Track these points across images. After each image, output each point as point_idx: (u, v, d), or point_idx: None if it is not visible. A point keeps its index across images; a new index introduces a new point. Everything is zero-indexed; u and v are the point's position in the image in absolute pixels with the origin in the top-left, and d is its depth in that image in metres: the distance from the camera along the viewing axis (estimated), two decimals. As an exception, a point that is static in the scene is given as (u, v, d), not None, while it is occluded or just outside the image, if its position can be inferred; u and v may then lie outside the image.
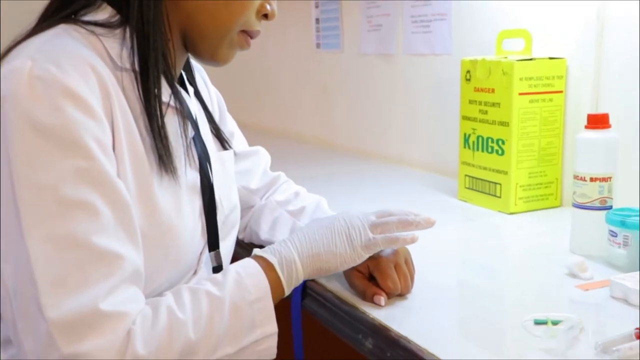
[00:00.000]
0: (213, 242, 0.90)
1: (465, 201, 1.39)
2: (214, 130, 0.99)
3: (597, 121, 1.01)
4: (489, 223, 1.26)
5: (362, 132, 2.04)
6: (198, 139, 0.89)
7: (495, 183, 1.31)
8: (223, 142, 1.00)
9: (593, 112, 1.24)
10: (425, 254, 0.98)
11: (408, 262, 0.90)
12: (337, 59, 2.13)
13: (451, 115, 1.61)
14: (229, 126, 1.10)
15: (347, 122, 2.11)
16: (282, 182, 1.14)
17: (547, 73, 1.27)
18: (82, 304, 0.64)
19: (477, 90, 1.33)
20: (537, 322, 0.79)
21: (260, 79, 2.66)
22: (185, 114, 0.84)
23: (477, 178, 1.36)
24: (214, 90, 1.08)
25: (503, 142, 1.28)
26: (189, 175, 0.85)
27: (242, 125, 1.17)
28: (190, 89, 0.93)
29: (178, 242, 0.81)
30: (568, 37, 1.28)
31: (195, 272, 0.87)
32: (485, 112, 1.31)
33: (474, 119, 1.35)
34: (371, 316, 0.82)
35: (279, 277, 0.81)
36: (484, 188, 1.34)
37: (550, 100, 1.28)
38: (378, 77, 1.93)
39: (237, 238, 1.02)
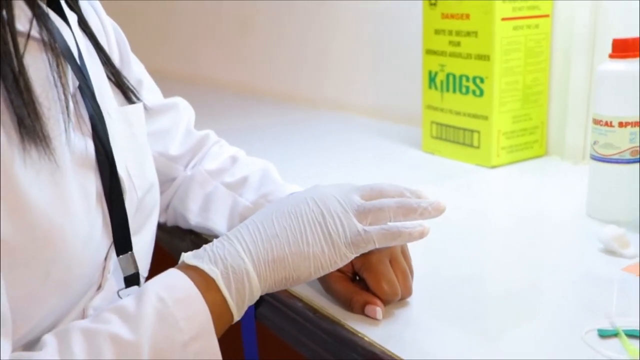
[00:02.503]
0: (122, 241, 0.61)
1: (432, 153, 1.15)
2: (112, 77, 0.68)
3: (627, 48, 0.78)
4: (470, 181, 1.02)
5: (290, 75, 1.76)
6: (87, 90, 0.59)
7: (472, 130, 1.07)
8: (127, 92, 0.69)
9: (587, 40, 1.02)
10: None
11: (405, 252, 0.65)
12: (255, -11, 1.82)
13: (405, 49, 1.35)
14: (135, 72, 0.79)
15: (272, 64, 1.82)
16: (213, 143, 0.86)
17: (533, -8, 1.03)
18: None
19: (445, 17, 1.07)
20: (604, 334, 0.56)
21: (162, 15, 2.30)
22: (59, 51, 0.54)
23: (447, 125, 1.11)
24: (109, 22, 0.77)
25: (482, 80, 1.03)
26: (76, 144, 0.56)
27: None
28: (73, 16, 0.62)
29: (65, 252, 0.52)
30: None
31: (99, 288, 0.59)
32: (458, 44, 1.06)
33: (443, 53, 1.09)
34: (367, 339, 0.57)
35: (223, 299, 0.54)
36: (456, 137, 1.10)
37: (536, 26, 1.04)
38: (309, 9, 1.64)
39: (158, 223, 0.73)
